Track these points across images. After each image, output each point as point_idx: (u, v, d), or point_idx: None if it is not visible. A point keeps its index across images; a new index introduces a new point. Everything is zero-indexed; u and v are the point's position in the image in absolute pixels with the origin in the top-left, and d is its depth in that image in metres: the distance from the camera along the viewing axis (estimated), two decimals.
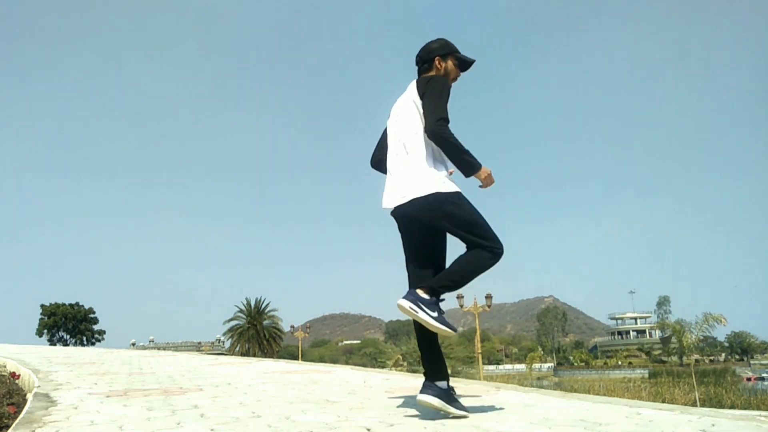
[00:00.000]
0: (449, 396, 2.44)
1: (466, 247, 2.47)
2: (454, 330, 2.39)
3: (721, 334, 77.00)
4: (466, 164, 2.45)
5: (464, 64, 2.70)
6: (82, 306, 59.93)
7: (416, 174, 2.49)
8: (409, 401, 2.93)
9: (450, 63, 2.65)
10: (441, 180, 2.46)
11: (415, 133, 2.53)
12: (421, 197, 2.45)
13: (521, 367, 63.71)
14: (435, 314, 2.35)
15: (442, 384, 2.43)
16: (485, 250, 2.42)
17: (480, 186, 2.50)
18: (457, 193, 2.47)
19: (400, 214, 2.56)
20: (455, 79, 2.68)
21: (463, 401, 2.95)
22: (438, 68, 2.64)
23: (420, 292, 2.37)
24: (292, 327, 42.60)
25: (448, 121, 2.44)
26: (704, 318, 25.16)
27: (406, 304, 2.35)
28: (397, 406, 2.76)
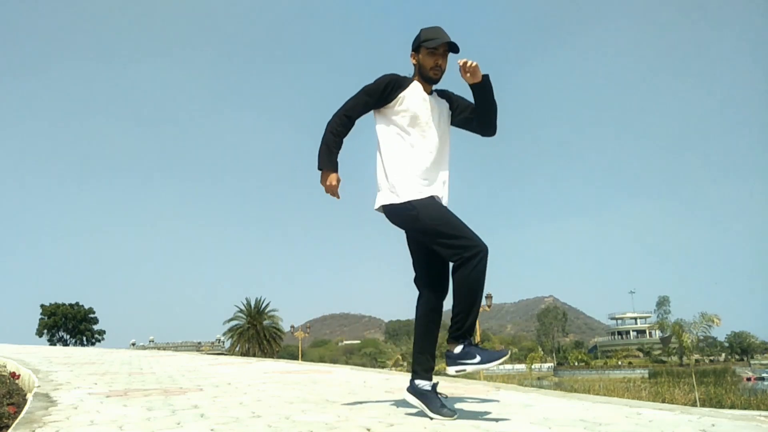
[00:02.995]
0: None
1: (449, 260, 2.40)
2: (506, 353, 2.35)
3: (721, 334, 77.07)
4: (319, 158, 2.46)
5: (433, 50, 2.52)
6: (82, 306, 59.93)
7: (378, 181, 2.54)
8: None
9: (422, 55, 2.54)
10: (394, 189, 2.43)
11: (376, 136, 2.59)
12: (384, 206, 2.48)
13: (521, 367, 63.64)
14: (478, 359, 2.28)
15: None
16: (468, 259, 2.29)
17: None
18: (412, 203, 2.39)
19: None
20: (435, 68, 2.53)
21: (463, 401, 2.96)
22: (414, 63, 2.60)
23: (452, 349, 2.33)
24: (292, 327, 42.62)
25: (340, 114, 2.48)
26: (701, 317, 25.06)
27: (453, 370, 2.32)
28: (397, 406, 2.76)
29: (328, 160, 2.45)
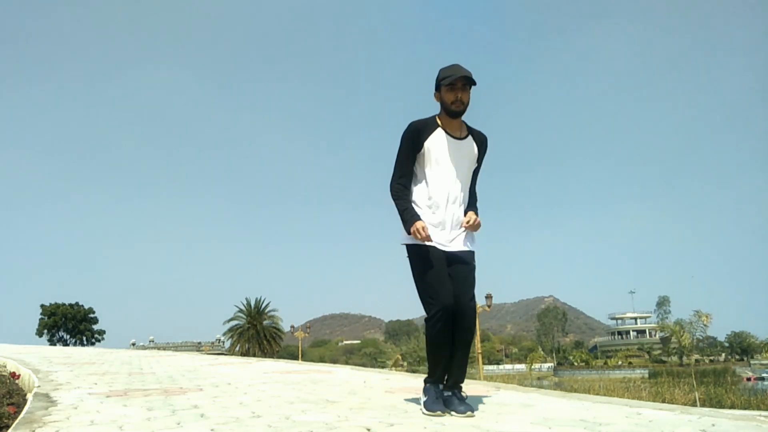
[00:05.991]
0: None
1: None
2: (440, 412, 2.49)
3: (721, 334, 77.05)
4: (404, 224, 2.63)
5: (452, 86, 2.63)
6: (82, 306, 59.87)
7: None
8: (409, 401, 2.93)
9: (443, 92, 2.66)
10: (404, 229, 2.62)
11: None
12: (402, 244, 2.70)
13: (521, 367, 63.61)
14: (424, 398, 2.57)
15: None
16: (427, 319, 2.52)
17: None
18: (415, 247, 2.60)
19: None
20: (456, 102, 2.63)
21: None
22: (438, 101, 2.74)
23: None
24: (292, 327, 42.63)
25: (394, 183, 2.69)
26: (697, 316, 24.75)
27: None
28: (397, 406, 2.76)
29: (408, 219, 2.60)
